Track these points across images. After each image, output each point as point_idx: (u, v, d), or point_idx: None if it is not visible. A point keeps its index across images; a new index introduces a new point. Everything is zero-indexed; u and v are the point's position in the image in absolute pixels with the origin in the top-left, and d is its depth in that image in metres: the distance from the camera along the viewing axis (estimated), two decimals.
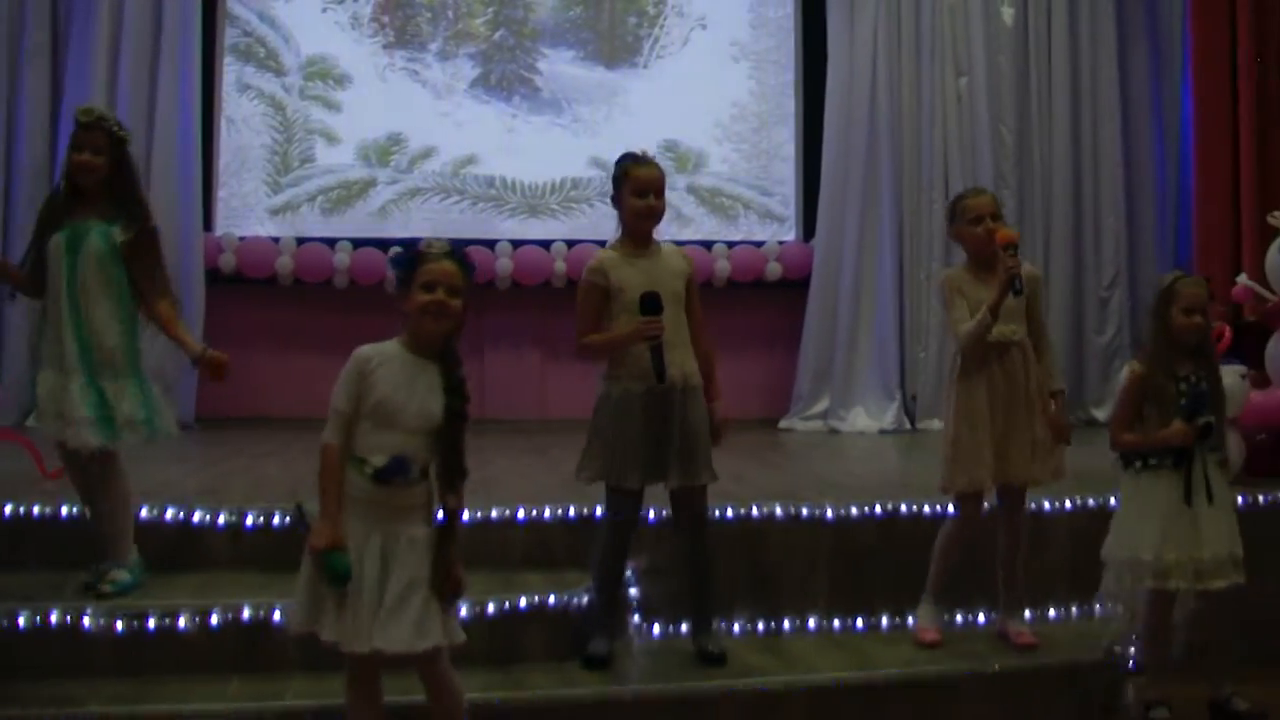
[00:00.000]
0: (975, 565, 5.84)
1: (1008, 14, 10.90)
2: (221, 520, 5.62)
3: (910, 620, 5.66)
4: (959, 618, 5.86)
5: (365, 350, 4.10)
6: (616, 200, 5.20)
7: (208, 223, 10.36)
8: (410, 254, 4.15)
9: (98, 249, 5.17)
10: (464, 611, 4.53)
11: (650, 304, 4.91)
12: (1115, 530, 5.24)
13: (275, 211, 10.71)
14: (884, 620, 5.78)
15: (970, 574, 5.85)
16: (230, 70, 10.75)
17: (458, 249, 4.20)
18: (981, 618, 5.86)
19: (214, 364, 5.22)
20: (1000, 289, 5.19)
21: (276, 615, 4.92)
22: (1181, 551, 5.04)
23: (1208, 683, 5.35)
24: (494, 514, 5.78)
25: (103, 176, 5.24)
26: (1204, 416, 5.02)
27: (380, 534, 4.00)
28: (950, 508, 5.57)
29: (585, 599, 5.25)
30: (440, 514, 4.11)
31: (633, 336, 4.96)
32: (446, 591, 4.07)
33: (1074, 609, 6.06)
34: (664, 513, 5.47)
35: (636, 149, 5.27)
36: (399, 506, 4.04)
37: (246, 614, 4.96)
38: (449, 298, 4.10)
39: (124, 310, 5.22)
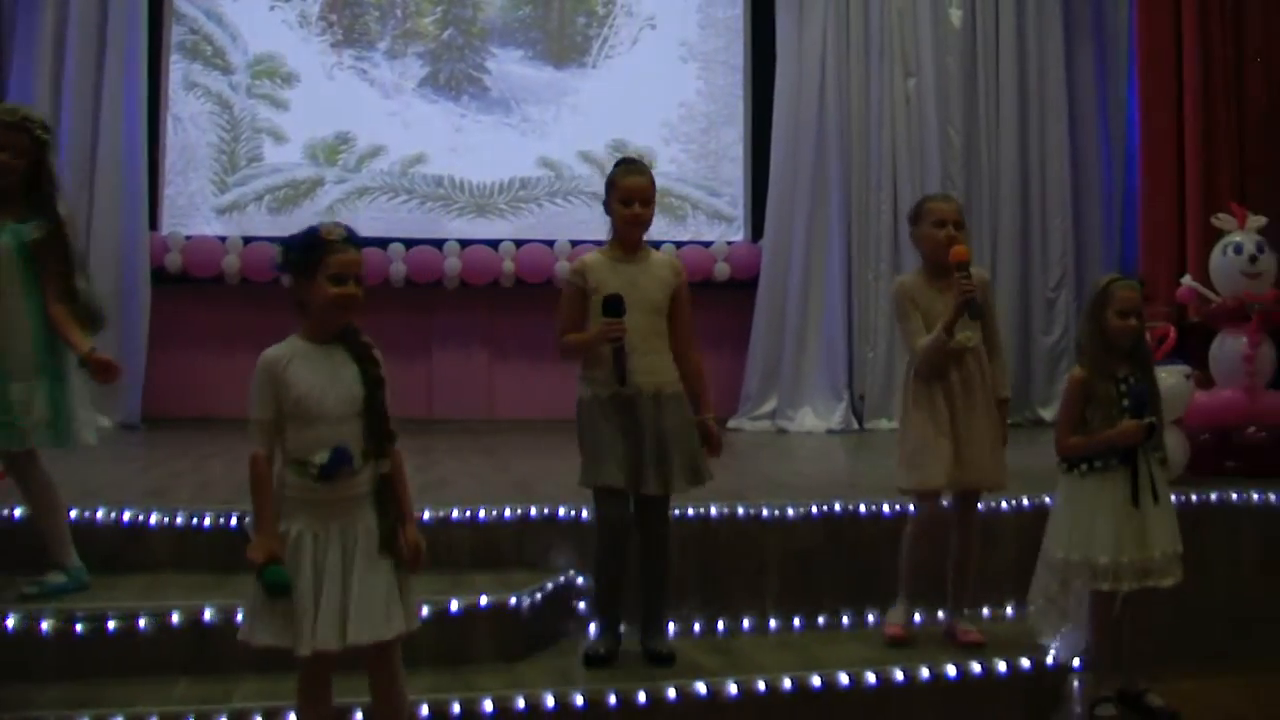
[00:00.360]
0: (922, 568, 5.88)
1: (956, 16, 10.96)
2: (169, 521, 5.58)
3: (871, 618, 5.75)
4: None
5: (270, 353, 4.01)
6: (607, 206, 5.19)
7: (154, 222, 10.29)
8: (312, 242, 4.04)
9: (8, 249, 5.10)
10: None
11: (611, 306, 4.92)
12: (1058, 533, 5.25)
13: (222, 210, 10.64)
14: (831, 620, 5.80)
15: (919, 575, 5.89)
16: (177, 68, 10.68)
17: (352, 233, 4.10)
18: (918, 617, 5.90)
19: (99, 365, 5.13)
20: (955, 310, 5.22)
21: (217, 616, 4.91)
22: (1133, 552, 5.09)
23: (1125, 675, 5.37)
24: (442, 514, 5.76)
25: (20, 178, 5.17)
26: (1148, 415, 5.07)
27: (337, 530, 3.95)
28: (911, 507, 5.59)
29: (536, 598, 5.25)
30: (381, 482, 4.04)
31: (596, 338, 4.97)
32: (407, 557, 4.04)
33: (1021, 608, 6.09)
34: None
35: (588, 150, 5.25)
36: (348, 498, 3.98)
37: (194, 615, 4.93)
38: (358, 287, 4.04)
39: (37, 311, 5.14)
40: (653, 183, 5.18)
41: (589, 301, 5.05)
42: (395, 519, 4.04)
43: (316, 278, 3.99)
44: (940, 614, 5.79)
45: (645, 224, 5.15)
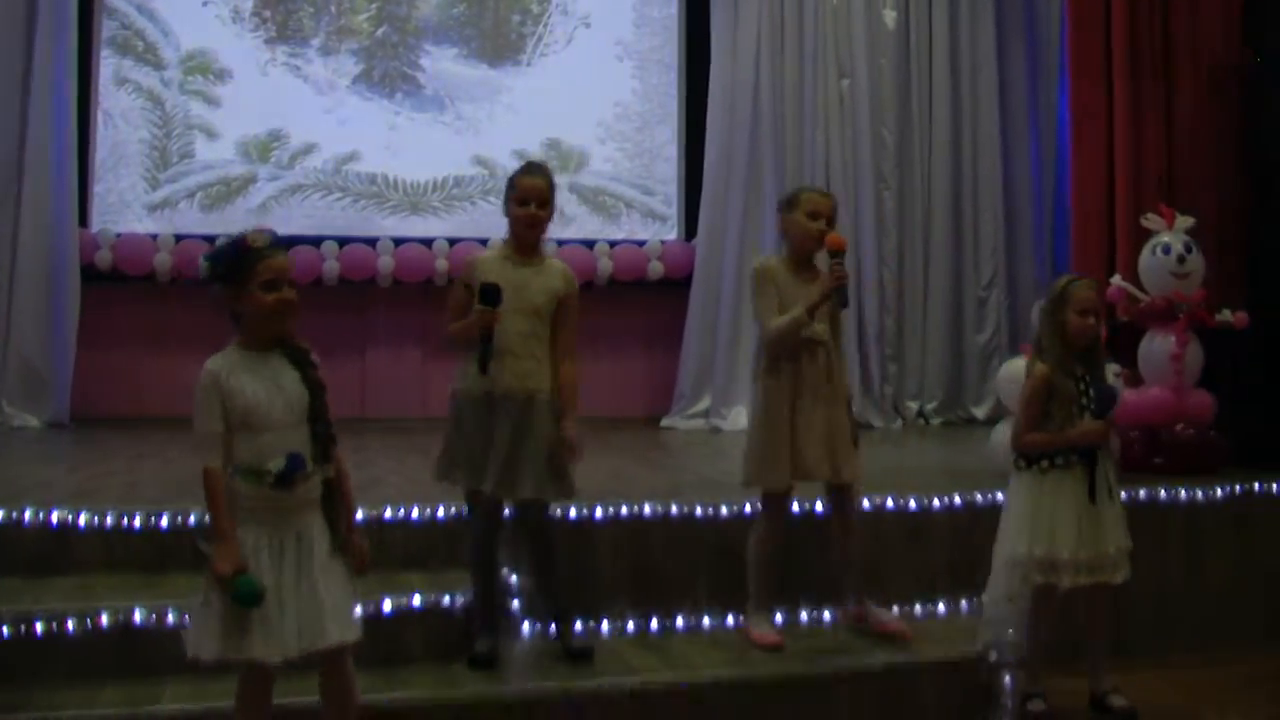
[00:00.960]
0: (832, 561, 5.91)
1: (890, 17, 11.04)
2: (98, 522, 5.52)
3: (805, 616, 5.79)
4: (829, 613, 5.92)
5: (211, 365, 3.99)
6: (506, 206, 5.20)
7: (84, 218, 10.17)
8: (240, 249, 3.99)
9: None
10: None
11: (487, 294, 4.92)
12: (1017, 530, 5.28)
13: (153, 208, 10.54)
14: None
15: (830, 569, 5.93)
16: (108, 63, 10.56)
17: (277, 238, 4.07)
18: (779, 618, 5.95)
19: None
20: (823, 294, 5.22)
21: (147, 618, 4.87)
22: (1090, 548, 5.17)
23: (1090, 677, 5.49)
24: (375, 514, 5.73)
25: None
26: (1111, 414, 5.15)
27: (292, 537, 3.96)
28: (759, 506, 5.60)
29: (469, 598, 5.25)
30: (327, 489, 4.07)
31: (470, 325, 4.97)
32: (354, 562, 4.09)
33: (954, 604, 6.15)
34: None
35: (523, 149, 5.27)
36: (300, 504, 3.99)
37: (121, 617, 4.88)
38: (292, 290, 4.02)
39: None
40: (552, 187, 5.20)
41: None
42: (346, 522, 4.08)
43: (249, 287, 3.96)
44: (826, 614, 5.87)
45: (540, 225, 5.16)
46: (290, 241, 4.04)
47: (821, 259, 5.38)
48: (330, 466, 4.08)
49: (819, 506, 5.79)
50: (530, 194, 5.11)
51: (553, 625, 5.42)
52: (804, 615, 5.89)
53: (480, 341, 4.93)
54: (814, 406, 5.34)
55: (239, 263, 3.97)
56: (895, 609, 5.82)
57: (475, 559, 5.22)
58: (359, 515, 5.44)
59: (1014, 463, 5.36)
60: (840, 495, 5.53)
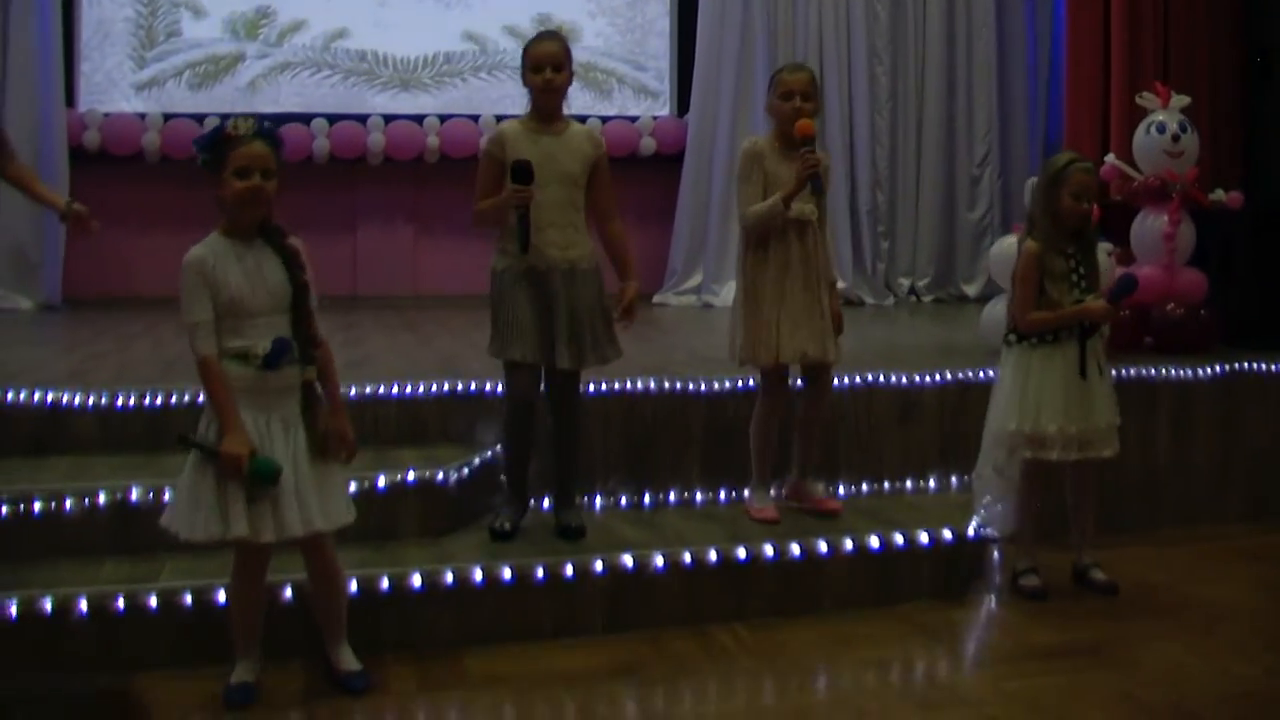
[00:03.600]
0: (838, 435, 5.96)
1: None
2: (92, 402, 5.55)
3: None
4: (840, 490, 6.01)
5: (194, 254, 4.02)
6: (524, 77, 5.16)
7: (70, 99, 10.07)
8: (217, 137, 4.04)
9: None
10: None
11: (519, 172, 4.90)
12: (1007, 405, 5.33)
13: (141, 87, 10.45)
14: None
15: (835, 446, 5.97)
16: None
17: (264, 125, 4.10)
18: (843, 490, 6.02)
19: (80, 218, 5.13)
20: (797, 184, 5.22)
21: (144, 496, 4.91)
22: (1079, 422, 5.23)
23: (1073, 550, 5.58)
24: (368, 391, 5.76)
25: None
26: (1121, 301, 5.19)
27: (279, 420, 4.05)
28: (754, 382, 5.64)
29: (462, 473, 5.29)
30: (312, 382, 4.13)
31: (503, 202, 4.95)
32: (341, 451, 4.16)
33: (944, 482, 6.23)
34: None
35: (513, 24, 5.23)
36: (283, 389, 4.06)
37: (119, 496, 4.92)
38: (264, 181, 4.03)
39: None
40: (566, 50, 5.15)
41: (505, 172, 5.00)
42: (332, 410, 4.16)
43: (224, 173, 4.00)
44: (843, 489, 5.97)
45: (558, 90, 5.11)
46: (280, 119, 4.03)
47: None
48: (311, 369, 4.11)
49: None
50: (544, 59, 5.07)
51: (546, 502, 5.47)
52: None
53: (518, 220, 4.92)
54: (799, 286, 5.35)
55: (216, 149, 4.02)
56: (886, 486, 5.86)
57: (513, 430, 5.25)
58: (351, 391, 5.50)
59: (1005, 338, 5.40)
60: (816, 373, 5.57)
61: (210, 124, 9.92)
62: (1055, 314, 5.23)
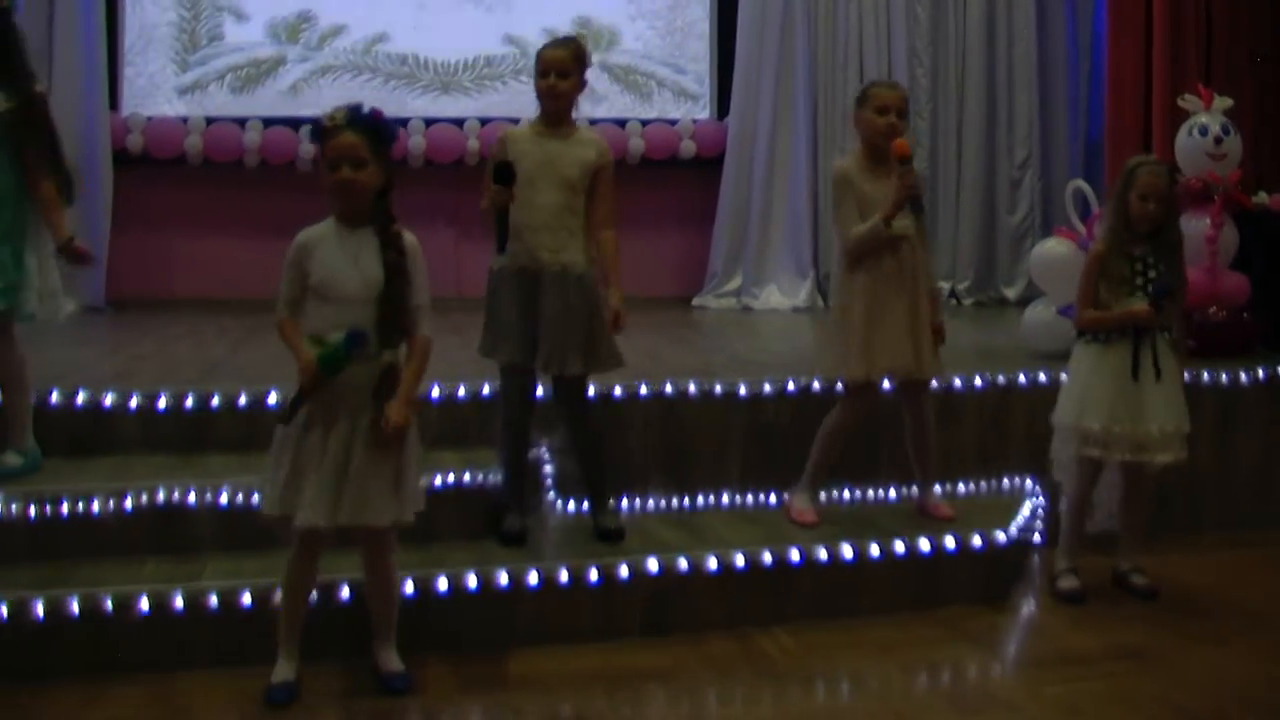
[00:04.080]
0: (882, 442, 5.95)
1: None
2: (133, 403, 5.57)
3: (836, 494, 5.88)
4: (871, 493, 6.00)
5: (302, 236, 4.17)
6: (535, 81, 5.20)
7: (114, 103, 10.14)
8: (316, 130, 4.16)
9: None
10: None
11: (499, 173, 4.91)
12: (1063, 399, 5.40)
13: (183, 91, 10.49)
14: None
15: (877, 450, 5.97)
16: None
17: (360, 114, 4.16)
18: (892, 494, 6.01)
19: (76, 254, 5.18)
20: (895, 204, 5.23)
21: (184, 497, 4.96)
22: (1127, 424, 5.22)
23: (1118, 554, 5.57)
24: None
25: None
26: (1164, 302, 5.17)
27: (345, 413, 4.10)
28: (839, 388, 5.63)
29: (500, 476, 5.31)
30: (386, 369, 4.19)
31: (487, 201, 4.97)
32: (378, 436, 4.14)
33: (983, 485, 6.21)
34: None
35: (553, 26, 5.25)
36: (359, 385, 4.11)
37: (161, 496, 4.96)
38: (354, 172, 4.08)
39: (13, 184, 5.07)
40: (575, 58, 5.14)
41: None
42: (404, 396, 4.17)
43: (323, 164, 4.13)
44: (887, 492, 5.98)
45: (561, 96, 5.11)
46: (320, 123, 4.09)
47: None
48: (392, 353, 4.18)
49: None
50: (550, 65, 5.09)
51: (585, 504, 5.48)
52: (845, 495, 5.99)
53: (495, 220, 4.94)
54: (895, 301, 5.37)
55: (318, 140, 4.16)
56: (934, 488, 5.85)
57: (505, 436, 5.28)
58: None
59: (1074, 335, 5.45)
60: (914, 389, 5.58)
61: (252, 126, 10.04)
62: (1103, 315, 5.24)
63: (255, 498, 4.72)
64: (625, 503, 5.71)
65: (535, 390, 5.28)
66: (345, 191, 4.09)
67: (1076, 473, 5.41)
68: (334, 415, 4.08)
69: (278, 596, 4.36)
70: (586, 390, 5.31)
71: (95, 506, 4.90)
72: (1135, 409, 5.23)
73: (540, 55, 5.14)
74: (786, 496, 5.70)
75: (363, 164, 4.09)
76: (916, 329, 5.40)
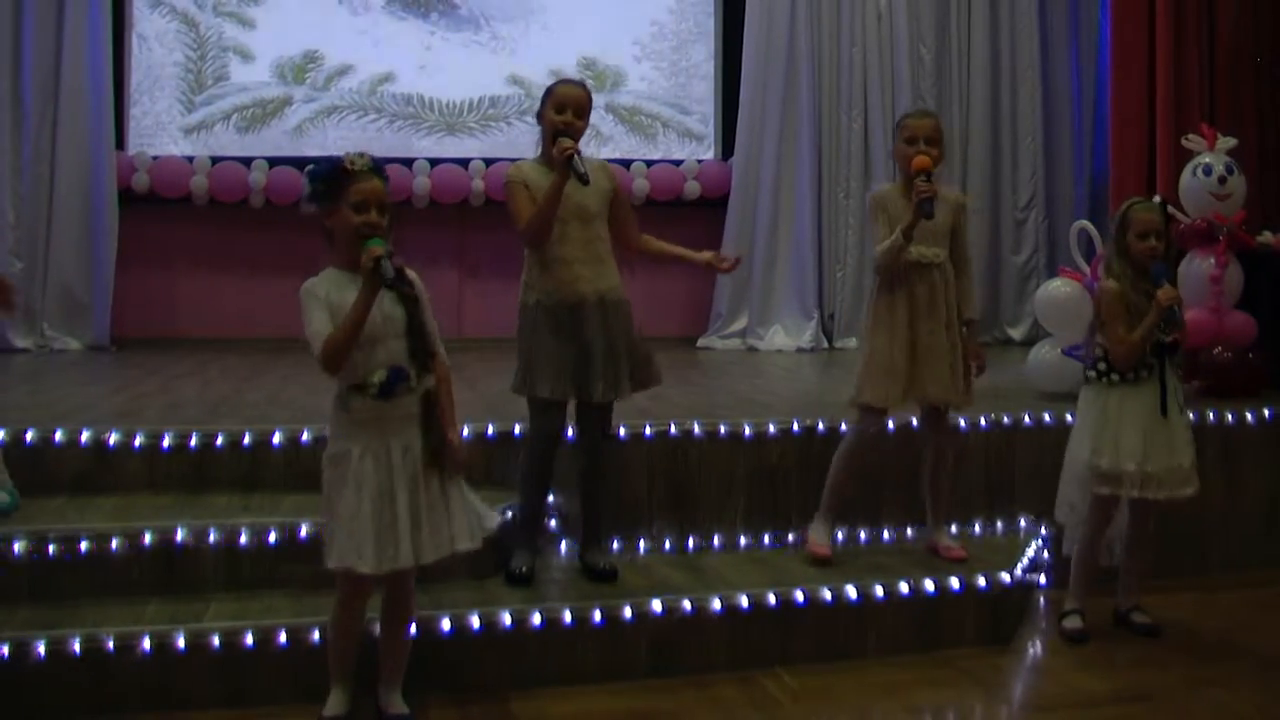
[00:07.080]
0: (885, 483, 5.94)
1: None
2: (138, 442, 5.57)
3: (840, 535, 5.84)
4: (884, 534, 6.01)
5: (311, 282, 4.12)
6: (540, 116, 5.16)
7: (120, 142, 10.17)
8: (335, 170, 4.11)
9: None
10: None
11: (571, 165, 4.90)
12: (1084, 441, 5.33)
13: (189, 130, 10.53)
14: (801, 537, 5.82)
15: (881, 491, 5.95)
16: None
17: (376, 162, 4.17)
18: (887, 535, 6.01)
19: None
20: (913, 213, 5.25)
21: (189, 537, 4.95)
22: (1160, 461, 5.23)
23: (1120, 593, 5.55)
24: None
25: None
26: (1164, 282, 5.18)
27: (399, 448, 4.11)
28: (843, 425, 5.63)
29: (506, 516, 5.27)
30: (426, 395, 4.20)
31: (551, 188, 4.96)
32: (448, 462, 4.18)
33: (990, 525, 6.19)
34: None
35: (558, 67, 5.24)
36: (402, 416, 4.13)
37: (164, 536, 4.94)
38: (380, 216, 4.09)
39: None
40: (590, 101, 5.15)
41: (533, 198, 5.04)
42: (440, 433, 4.18)
43: (341, 206, 4.07)
44: (887, 533, 5.96)
45: (575, 134, 5.04)
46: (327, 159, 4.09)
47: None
48: (429, 377, 4.21)
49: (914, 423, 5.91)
50: (569, 101, 5.07)
51: (579, 540, 5.47)
52: (862, 535, 6.00)
53: (569, 165, 4.89)
54: (923, 327, 5.40)
55: (334, 182, 4.10)
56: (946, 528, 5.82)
57: (530, 472, 5.26)
58: None
59: (1084, 373, 5.43)
60: (934, 419, 5.61)
61: (258, 166, 10.05)
62: (1138, 331, 5.19)
63: (271, 536, 4.82)
64: (631, 543, 5.71)
65: (566, 427, 5.27)
66: (370, 235, 4.07)
67: (1093, 513, 5.38)
68: (385, 450, 4.08)
69: (282, 636, 4.36)
70: (611, 421, 5.30)
71: (98, 546, 4.88)
72: (1167, 446, 5.25)
73: (557, 91, 5.11)
74: (791, 537, 5.70)
75: (385, 209, 4.12)
76: (947, 357, 5.42)
